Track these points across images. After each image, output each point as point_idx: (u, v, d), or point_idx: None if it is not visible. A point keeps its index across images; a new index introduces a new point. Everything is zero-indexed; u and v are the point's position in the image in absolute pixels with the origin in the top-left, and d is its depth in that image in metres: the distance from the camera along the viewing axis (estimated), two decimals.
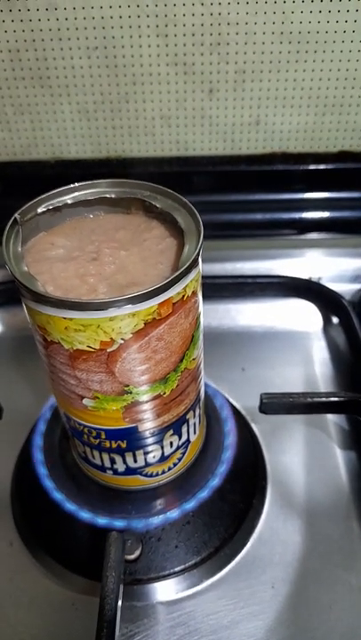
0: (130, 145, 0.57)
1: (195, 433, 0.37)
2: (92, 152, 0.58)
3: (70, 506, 0.37)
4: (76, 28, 0.50)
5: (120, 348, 0.27)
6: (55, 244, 0.31)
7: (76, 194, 0.32)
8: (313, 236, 0.60)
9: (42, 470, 0.39)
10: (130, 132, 0.56)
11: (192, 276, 0.27)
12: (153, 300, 0.25)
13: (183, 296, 0.27)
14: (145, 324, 0.26)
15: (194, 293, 0.29)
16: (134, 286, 0.27)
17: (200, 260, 0.28)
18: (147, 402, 0.30)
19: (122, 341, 0.26)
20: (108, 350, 0.27)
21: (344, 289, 0.54)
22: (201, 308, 0.31)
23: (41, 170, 0.58)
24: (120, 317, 0.25)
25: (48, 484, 0.38)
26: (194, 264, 0.27)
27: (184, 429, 0.35)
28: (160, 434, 0.33)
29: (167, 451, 0.35)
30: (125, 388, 0.29)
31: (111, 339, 0.26)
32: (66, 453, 0.40)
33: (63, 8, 0.48)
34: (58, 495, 0.37)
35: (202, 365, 0.34)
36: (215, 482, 0.38)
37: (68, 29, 0.50)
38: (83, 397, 0.30)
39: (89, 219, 0.33)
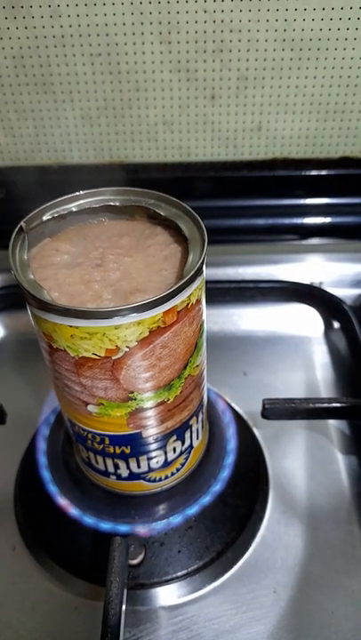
0: (132, 150, 0.57)
1: (198, 438, 0.37)
2: (95, 157, 0.58)
3: (74, 511, 0.37)
4: (80, 35, 0.50)
5: (125, 356, 0.27)
6: (60, 250, 0.31)
7: (81, 201, 0.32)
8: (314, 241, 0.61)
9: (45, 475, 0.39)
10: (132, 137, 0.56)
11: (196, 284, 0.28)
12: (158, 309, 0.26)
13: (188, 304, 0.27)
14: (150, 332, 0.26)
15: (198, 301, 0.29)
16: (138, 292, 0.28)
17: (204, 268, 0.29)
18: (151, 408, 0.31)
19: (127, 349, 0.27)
20: (113, 358, 0.27)
21: (345, 294, 0.55)
22: (205, 316, 0.31)
23: (44, 175, 0.58)
24: (125, 326, 0.25)
25: (51, 488, 0.38)
26: (198, 272, 0.27)
27: (187, 435, 0.35)
28: (163, 440, 0.33)
29: (170, 456, 0.35)
30: (130, 395, 0.29)
31: (116, 346, 0.26)
32: (69, 458, 0.40)
33: (67, 15, 0.49)
34: (61, 500, 0.38)
35: (205, 372, 0.35)
36: (218, 487, 0.38)
37: (71, 36, 0.50)
38: (87, 404, 0.30)
39: (93, 225, 0.33)
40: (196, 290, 0.28)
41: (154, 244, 0.31)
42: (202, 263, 0.28)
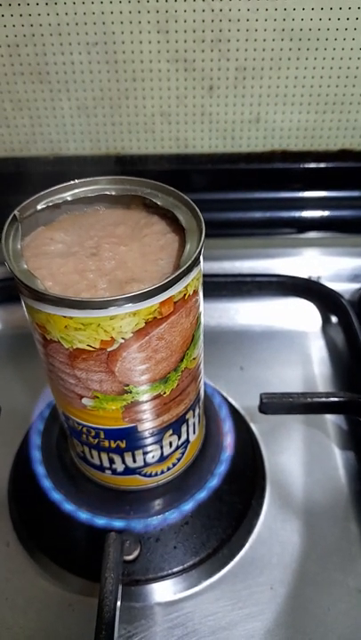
0: (129, 142, 0.57)
1: (194, 433, 0.36)
2: (92, 149, 0.57)
3: (68, 506, 0.36)
4: (76, 24, 0.49)
5: (120, 348, 0.26)
6: (54, 239, 0.31)
7: (76, 191, 0.32)
8: (312, 234, 0.60)
9: (40, 470, 0.39)
10: (129, 128, 0.56)
11: (193, 274, 0.27)
12: (154, 299, 0.25)
13: (184, 295, 0.27)
14: (146, 323, 0.26)
15: (195, 292, 0.28)
16: (134, 282, 0.27)
17: (201, 258, 0.28)
18: (147, 401, 0.30)
19: (122, 340, 0.26)
20: (108, 349, 0.26)
21: (343, 288, 0.54)
22: (202, 307, 0.31)
23: (40, 166, 0.58)
24: (121, 316, 0.25)
25: (46, 483, 0.38)
26: (195, 263, 0.27)
27: (183, 429, 0.35)
28: (159, 434, 0.33)
29: (166, 451, 0.35)
30: (125, 388, 0.29)
31: (112, 338, 0.26)
32: (64, 453, 0.40)
33: (63, 3, 0.48)
34: (56, 495, 0.37)
35: (202, 365, 0.34)
36: (214, 482, 0.38)
37: (67, 25, 0.49)
38: (82, 397, 0.30)
39: (88, 213, 0.33)
40: (193, 280, 0.27)
41: (150, 233, 0.31)
42: (199, 253, 0.27)
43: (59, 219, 0.32)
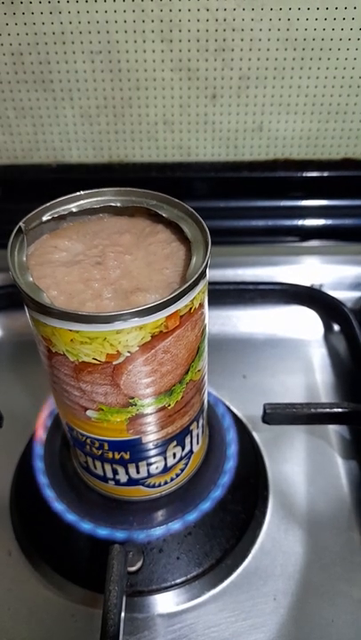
0: (132, 150, 0.57)
1: (198, 443, 0.36)
2: (95, 157, 0.57)
3: (71, 516, 0.36)
4: (80, 32, 0.49)
5: (126, 361, 0.26)
6: (58, 248, 0.31)
7: (82, 202, 0.31)
8: (315, 243, 0.60)
9: (42, 479, 0.38)
10: (132, 136, 0.56)
11: (200, 287, 0.27)
12: (161, 313, 0.25)
13: (190, 308, 0.27)
14: (152, 336, 0.26)
15: (201, 305, 0.28)
16: (139, 292, 0.27)
17: (208, 271, 0.28)
18: (151, 414, 0.30)
19: (128, 354, 0.26)
20: (113, 363, 0.26)
21: (346, 296, 0.54)
22: (207, 320, 0.31)
23: (42, 174, 0.58)
24: (127, 330, 0.25)
25: (48, 493, 0.38)
26: (202, 276, 0.27)
27: (187, 440, 0.35)
28: (163, 445, 0.33)
29: (170, 462, 0.35)
30: (130, 401, 0.29)
31: (117, 351, 0.26)
32: (67, 462, 0.39)
33: (67, 11, 0.48)
34: (58, 505, 0.37)
35: (206, 376, 0.34)
36: (217, 492, 0.38)
37: (71, 33, 0.49)
38: (86, 409, 0.30)
39: (92, 221, 0.33)
40: (200, 294, 0.27)
41: (155, 242, 0.31)
42: (205, 266, 0.27)
43: (63, 226, 0.32)
